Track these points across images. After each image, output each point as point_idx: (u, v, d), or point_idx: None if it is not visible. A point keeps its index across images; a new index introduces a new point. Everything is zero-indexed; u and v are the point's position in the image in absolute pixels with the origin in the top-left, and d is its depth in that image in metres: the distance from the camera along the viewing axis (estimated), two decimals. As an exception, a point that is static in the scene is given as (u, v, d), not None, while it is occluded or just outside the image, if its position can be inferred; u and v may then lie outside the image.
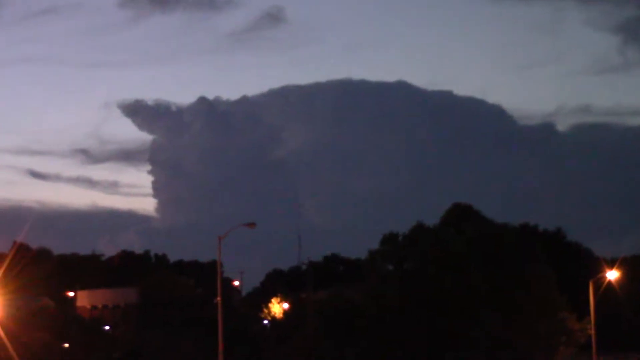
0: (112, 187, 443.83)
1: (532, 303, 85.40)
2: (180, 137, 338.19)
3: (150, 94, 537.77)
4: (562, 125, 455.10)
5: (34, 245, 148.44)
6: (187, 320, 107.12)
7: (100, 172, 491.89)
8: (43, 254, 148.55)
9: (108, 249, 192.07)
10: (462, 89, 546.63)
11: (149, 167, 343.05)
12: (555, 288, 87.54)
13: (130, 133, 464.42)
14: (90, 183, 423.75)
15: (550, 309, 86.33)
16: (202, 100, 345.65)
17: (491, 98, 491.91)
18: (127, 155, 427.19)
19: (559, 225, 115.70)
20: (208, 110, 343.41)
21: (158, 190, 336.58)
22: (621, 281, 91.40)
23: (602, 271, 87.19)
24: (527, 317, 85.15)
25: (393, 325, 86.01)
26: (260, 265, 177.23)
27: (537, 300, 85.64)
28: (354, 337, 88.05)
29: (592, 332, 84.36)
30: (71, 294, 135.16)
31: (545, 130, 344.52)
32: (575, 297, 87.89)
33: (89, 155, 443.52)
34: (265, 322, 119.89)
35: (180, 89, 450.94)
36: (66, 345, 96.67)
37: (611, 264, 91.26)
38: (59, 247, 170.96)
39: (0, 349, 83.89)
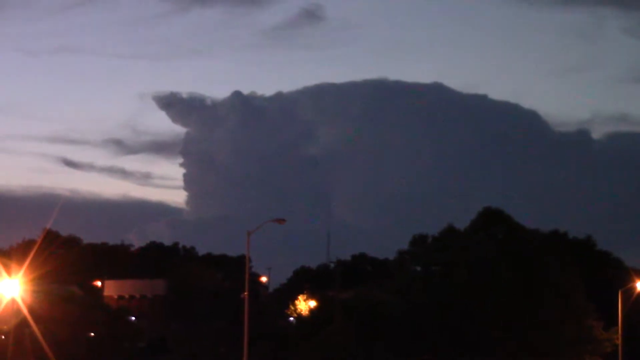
0: (144, 178, 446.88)
1: (560, 309, 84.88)
2: (213, 130, 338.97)
3: (185, 87, 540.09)
4: (597, 133, 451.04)
5: (65, 233, 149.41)
6: (213, 313, 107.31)
7: (133, 163, 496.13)
8: (72, 242, 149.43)
9: (137, 240, 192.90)
10: (497, 93, 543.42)
11: (181, 160, 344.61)
12: (583, 295, 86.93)
13: (164, 125, 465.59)
14: (123, 173, 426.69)
15: (578, 316, 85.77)
16: (237, 94, 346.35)
17: (526, 103, 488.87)
18: (160, 147, 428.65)
19: (589, 233, 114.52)
20: (242, 105, 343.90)
21: (189, 182, 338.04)
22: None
23: (632, 281, 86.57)
24: (554, 322, 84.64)
25: (419, 326, 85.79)
26: (288, 262, 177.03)
27: (564, 306, 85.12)
28: (380, 336, 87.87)
29: (619, 341, 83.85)
30: (99, 283, 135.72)
31: (580, 138, 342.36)
32: (604, 306, 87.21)
33: (122, 146, 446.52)
34: (291, 318, 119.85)
35: (215, 83, 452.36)
36: (92, 334, 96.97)
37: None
38: (89, 236, 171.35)
39: (27, 335, 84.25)
